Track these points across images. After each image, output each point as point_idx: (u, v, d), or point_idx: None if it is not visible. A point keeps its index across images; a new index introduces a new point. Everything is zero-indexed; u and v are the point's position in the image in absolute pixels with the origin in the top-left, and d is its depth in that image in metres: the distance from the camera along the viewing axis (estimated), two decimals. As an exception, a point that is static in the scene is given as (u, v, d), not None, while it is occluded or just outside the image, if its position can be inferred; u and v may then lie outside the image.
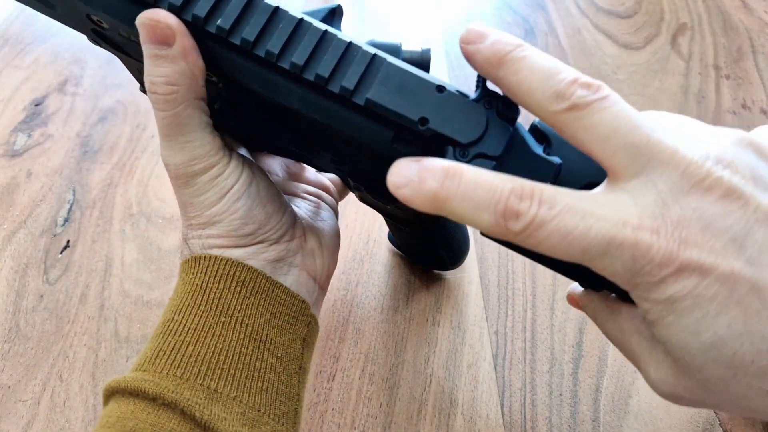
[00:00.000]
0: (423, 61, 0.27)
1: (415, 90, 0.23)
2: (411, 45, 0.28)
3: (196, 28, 0.24)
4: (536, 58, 0.21)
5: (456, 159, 0.22)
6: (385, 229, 0.49)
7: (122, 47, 0.29)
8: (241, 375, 0.26)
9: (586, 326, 0.44)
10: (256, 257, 0.28)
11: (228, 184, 0.27)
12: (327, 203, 0.37)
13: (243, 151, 0.32)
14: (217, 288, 0.27)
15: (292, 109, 0.25)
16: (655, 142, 0.19)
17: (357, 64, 0.23)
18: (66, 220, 0.50)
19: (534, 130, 0.25)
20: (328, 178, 0.39)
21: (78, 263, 0.47)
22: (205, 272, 0.27)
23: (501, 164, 0.23)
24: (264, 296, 0.28)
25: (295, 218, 0.31)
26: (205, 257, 0.28)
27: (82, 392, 0.40)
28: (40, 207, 0.51)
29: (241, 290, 0.27)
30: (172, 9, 0.24)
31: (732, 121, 0.58)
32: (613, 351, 0.42)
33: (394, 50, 0.26)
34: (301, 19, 0.24)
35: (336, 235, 0.35)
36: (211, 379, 0.25)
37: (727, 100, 0.60)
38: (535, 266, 0.47)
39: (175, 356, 0.25)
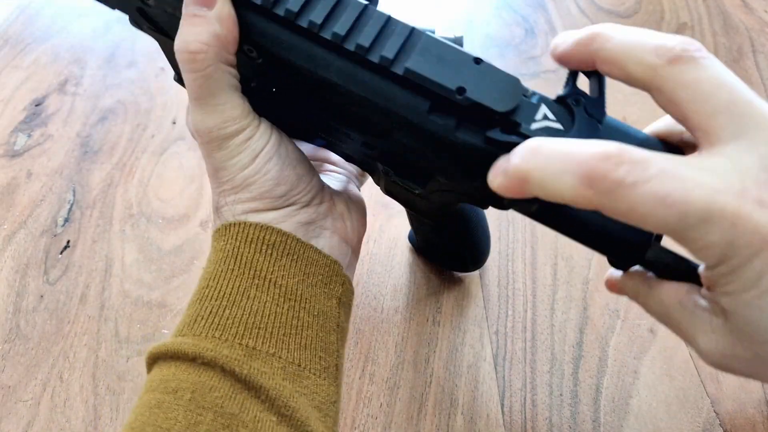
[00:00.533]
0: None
1: (453, 61, 0.24)
2: (444, 32, 0.29)
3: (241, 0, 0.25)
4: (629, 28, 0.21)
5: None
6: (386, 229, 0.49)
7: (165, 28, 0.29)
8: (278, 333, 0.26)
9: (587, 326, 0.44)
10: (288, 219, 0.29)
11: (259, 146, 0.28)
12: (350, 180, 0.37)
13: None
14: (249, 252, 0.28)
15: (330, 82, 0.25)
16: (757, 105, 0.19)
17: (397, 36, 0.24)
18: (66, 220, 0.50)
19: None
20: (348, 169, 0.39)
21: (78, 263, 0.47)
22: (236, 238, 0.28)
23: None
24: (295, 257, 0.28)
25: (322, 184, 0.32)
26: (234, 224, 0.28)
27: (83, 392, 0.40)
28: (41, 207, 0.51)
29: (272, 252, 0.28)
30: None
31: (732, 120, 0.58)
32: (613, 351, 0.43)
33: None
34: None
35: (362, 202, 0.35)
36: (249, 338, 0.26)
37: (727, 99, 0.60)
38: (535, 266, 0.47)
39: (213, 320, 0.26)
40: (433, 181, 0.30)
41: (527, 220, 0.50)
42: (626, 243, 0.24)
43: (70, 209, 0.51)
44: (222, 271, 0.27)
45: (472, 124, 0.24)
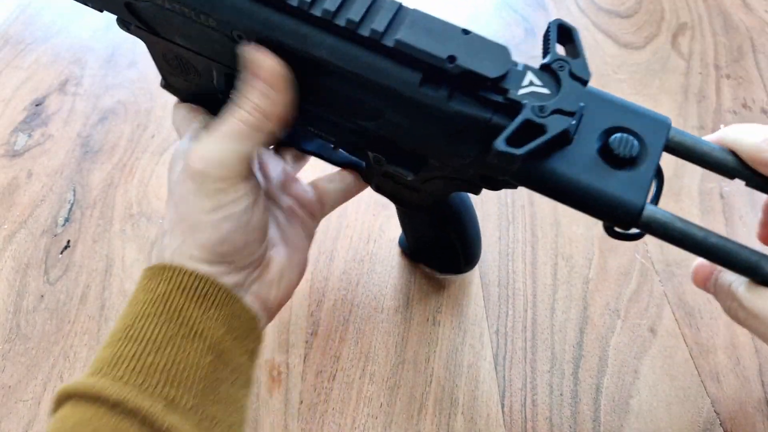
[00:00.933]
0: None
1: (441, 33, 0.24)
2: None
3: None
4: None
5: (535, 115, 0.23)
6: (386, 229, 0.49)
7: (154, 24, 0.29)
8: (198, 386, 0.27)
9: (587, 326, 0.44)
10: (218, 278, 0.29)
11: (226, 202, 0.28)
12: (306, 224, 0.36)
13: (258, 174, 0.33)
14: (180, 299, 0.28)
15: (322, 60, 0.25)
16: None
17: (386, 11, 0.25)
18: (66, 220, 0.50)
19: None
20: (315, 193, 0.38)
21: (78, 263, 0.47)
22: (169, 282, 0.28)
23: (580, 119, 0.24)
24: (223, 310, 0.29)
25: (265, 252, 0.32)
26: (169, 267, 0.28)
27: (83, 392, 0.40)
28: (41, 207, 0.51)
29: (202, 303, 0.28)
30: None
31: (732, 120, 0.58)
32: (613, 351, 0.43)
33: None
34: None
35: (301, 265, 0.35)
36: (170, 389, 0.26)
37: (727, 99, 0.60)
38: (535, 266, 0.47)
39: (135, 364, 0.26)
40: (425, 168, 0.30)
41: (527, 220, 0.50)
42: (620, 202, 0.24)
43: (70, 209, 0.51)
44: (150, 314, 0.27)
45: (463, 94, 0.24)
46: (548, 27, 0.26)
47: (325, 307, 0.45)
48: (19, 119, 0.57)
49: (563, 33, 0.26)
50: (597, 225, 0.50)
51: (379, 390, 0.41)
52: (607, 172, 0.25)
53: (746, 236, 0.49)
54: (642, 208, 0.24)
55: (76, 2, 0.31)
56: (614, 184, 0.24)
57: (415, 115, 0.27)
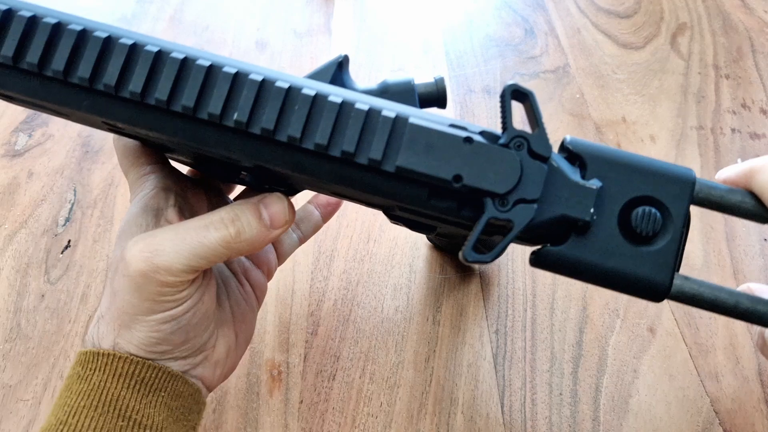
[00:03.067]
0: (439, 92, 0.27)
1: (443, 147, 0.23)
2: (422, 77, 0.28)
3: (215, 125, 0.24)
4: None
5: (497, 210, 0.22)
6: (386, 229, 0.49)
7: (140, 139, 0.28)
8: None
9: (586, 326, 0.44)
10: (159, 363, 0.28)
11: (166, 307, 0.26)
12: (259, 286, 0.35)
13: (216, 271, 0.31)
14: (117, 388, 0.26)
15: (324, 184, 0.25)
16: None
17: (380, 132, 0.23)
18: (67, 219, 0.50)
19: (565, 150, 0.25)
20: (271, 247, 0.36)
21: (79, 263, 0.47)
22: (104, 370, 0.26)
23: (542, 204, 0.23)
24: (165, 392, 0.27)
25: (208, 338, 0.30)
26: (103, 354, 0.26)
27: (84, 392, 0.40)
28: (41, 207, 0.51)
29: (141, 389, 0.26)
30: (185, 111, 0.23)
31: (732, 120, 0.58)
32: (613, 350, 0.43)
33: (408, 87, 0.26)
34: (316, 96, 0.23)
35: (249, 337, 0.33)
36: None
37: (726, 99, 0.60)
38: (535, 266, 0.47)
39: None
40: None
41: (527, 220, 0.50)
42: (647, 283, 0.24)
43: (71, 209, 0.51)
44: (84, 406, 0.25)
45: (475, 205, 0.24)
46: (503, 93, 0.24)
47: (325, 306, 0.45)
48: (19, 119, 0.57)
49: (520, 98, 0.24)
50: (596, 225, 0.50)
51: (379, 389, 0.41)
52: (630, 250, 0.24)
53: (747, 251, 0.49)
54: (669, 286, 0.24)
55: (80, 1, 0.30)
56: (639, 264, 0.24)
57: (427, 217, 0.26)
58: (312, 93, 0.23)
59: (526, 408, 0.40)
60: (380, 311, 0.45)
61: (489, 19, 0.69)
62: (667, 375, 0.41)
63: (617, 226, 0.24)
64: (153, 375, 0.27)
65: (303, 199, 0.42)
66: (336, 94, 0.24)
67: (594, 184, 0.24)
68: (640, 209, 0.24)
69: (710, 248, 0.48)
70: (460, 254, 0.22)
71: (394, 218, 0.30)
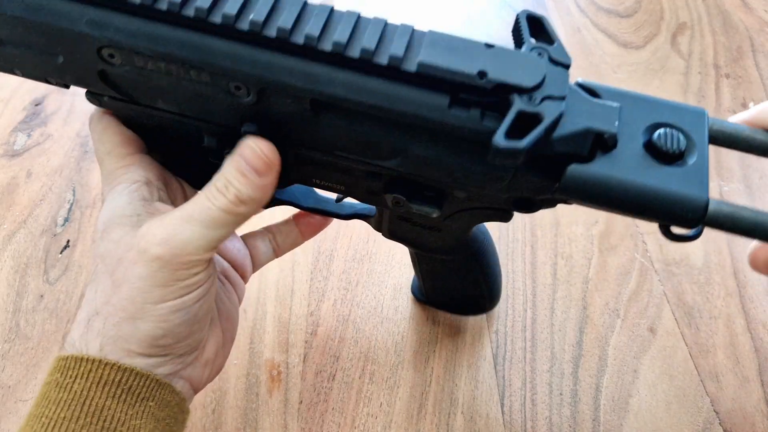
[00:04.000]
0: None
1: (464, 50, 0.22)
2: None
3: (228, 29, 0.23)
4: None
5: (526, 105, 0.22)
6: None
7: (132, 90, 0.26)
8: None
9: (586, 325, 0.44)
10: (153, 369, 0.26)
11: (178, 293, 0.25)
12: (239, 288, 0.35)
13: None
14: (101, 397, 0.24)
15: (337, 98, 0.23)
16: None
17: (400, 36, 0.23)
18: (66, 219, 0.50)
19: (581, 86, 0.25)
20: (247, 252, 0.36)
21: (78, 263, 0.47)
22: (87, 378, 0.24)
23: (565, 117, 0.23)
24: (153, 402, 0.26)
25: (204, 335, 0.29)
26: (88, 359, 0.25)
27: (83, 392, 0.40)
28: (40, 207, 0.51)
29: (127, 398, 0.25)
30: (198, 16, 0.23)
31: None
32: (613, 350, 0.43)
33: None
34: (332, 8, 0.24)
35: (233, 337, 0.33)
36: None
37: (726, 98, 0.60)
38: (535, 266, 0.47)
39: None
40: (449, 201, 0.29)
41: (527, 219, 0.50)
42: (683, 200, 0.22)
43: (69, 209, 0.51)
44: (64, 418, 0.24)
45: (497, 111, 0.23)
46: (516, 19, 0.24)
47: (325, 306, 0.45)
48: (18, 119, 0.57)
49: (533, 24, 0.24)
50: (597, 224, 0.50)
51: (378, 390, 0.41)
52: (659, 170, 0.23)
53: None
54: (707, 202, 0.23)
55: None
56: (671, 181, 0.23)
57: (444, 144, 0.25)
58: (329, 6, 0.23)
59: (526, 408, 0.40)
60: (380, 311, 0.45)
61: (490, 18, 0.69)
62: (668, 375, 0.41)
63: (643, 149, 0.23)
64: (141, 383, 0.25)
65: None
66: (354, 11, 0.24)
67: (613, 104, 0.23)
68: (662, 130, 0.23)
69: (710, 248, 0.48)
70: (493, 142, 0.21)
71: (397, 189, 0.28)
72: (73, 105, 0.59)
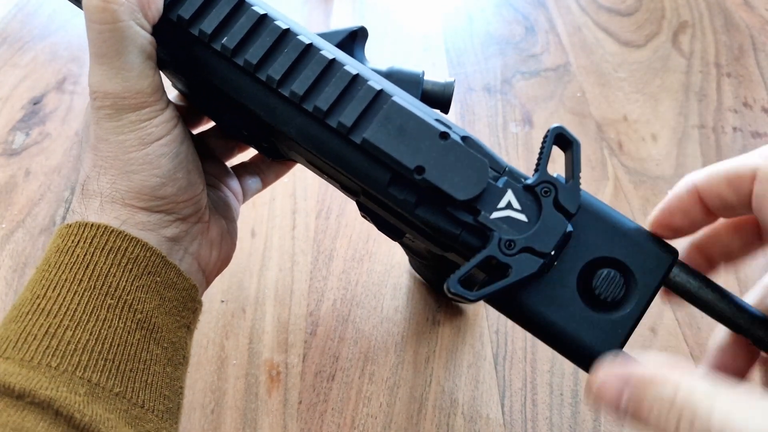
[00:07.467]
0: (445, 94, 0.26)
1: (416, 134, 0.21)
2: (434, 75, 0.27)
3: (203, 43, 0.24)
4: None
5: (501, 251, 0.21)
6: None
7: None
8: (126, 368, 0.22)
9: (587, 325, 0.44)
10: (157, 229, 0.25)
11: (156, 133, 0.24)
12: (235, 192, 0.34)
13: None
14: (104, 263, 0.23)
15: (291, 139, 0.24)
16: None
17: (359, 100, 0.22)
18: (64, 219, 0.50)
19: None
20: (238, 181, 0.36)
21: (76, 262, 0.47)
22: (91, 242, 0.23)
23: (550, 262, 0.21)
24: (156, 278, 0.24)
25: (206, 201, 0.29)
26: (92, 225, 0.23)
27: (81, 392, 0.40)
28: (39, 206, 0.50)
29: (132, 269, 0.24)
30: (180, 21, 0.24)
31: (733, 119, 0.58)
32: (613, 350, 0.42)
33: (415, 79, 0.25)
34: (309, 45, 0.23)
35: (235, 233, 0.32)
36: (93, 372, 0.21)
37: (728, 98, 0.60)
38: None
39: (49, 341, 0.21)
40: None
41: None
42: (580, 346, 0.21)
43: (68, 208, 0.50)
44: (66, 280, 0.22)
45: (432, 202, 0.22)
46: (547, 133, 0.22)
47: (324, 306, 0.45)
48: (16, 118, 0.57)
49: (562, 142, 0.22)
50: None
51: (378, 390, 0.41)
52: (582, 312, 0.22)
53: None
54: (599, 356, 0.22)
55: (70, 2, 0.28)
56: (584, 327, 0.21)
57: (385, 208, 0.24)
58: (307, 42, 0.23)
59: (526, 408, 0.40)
60: (380, 311, 0.45)
61: (489, 16, 0.69)
62: (669, 375, 0.41)
63: (576, 285, 0.22)
64: (145, 255, 0.24)
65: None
66: (330, 51, 0.23)
67: (564, 224, 0.22)
68: (605, 270, 0.22)
69: (712, 248, 0.48)
70: (445, 285, 0.20)
71: (363, 209, 0.28)
72: (71, 104, 0.58)
